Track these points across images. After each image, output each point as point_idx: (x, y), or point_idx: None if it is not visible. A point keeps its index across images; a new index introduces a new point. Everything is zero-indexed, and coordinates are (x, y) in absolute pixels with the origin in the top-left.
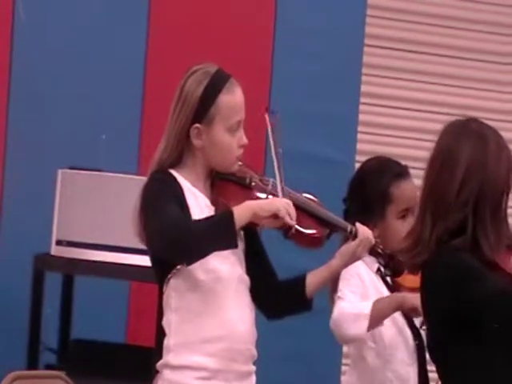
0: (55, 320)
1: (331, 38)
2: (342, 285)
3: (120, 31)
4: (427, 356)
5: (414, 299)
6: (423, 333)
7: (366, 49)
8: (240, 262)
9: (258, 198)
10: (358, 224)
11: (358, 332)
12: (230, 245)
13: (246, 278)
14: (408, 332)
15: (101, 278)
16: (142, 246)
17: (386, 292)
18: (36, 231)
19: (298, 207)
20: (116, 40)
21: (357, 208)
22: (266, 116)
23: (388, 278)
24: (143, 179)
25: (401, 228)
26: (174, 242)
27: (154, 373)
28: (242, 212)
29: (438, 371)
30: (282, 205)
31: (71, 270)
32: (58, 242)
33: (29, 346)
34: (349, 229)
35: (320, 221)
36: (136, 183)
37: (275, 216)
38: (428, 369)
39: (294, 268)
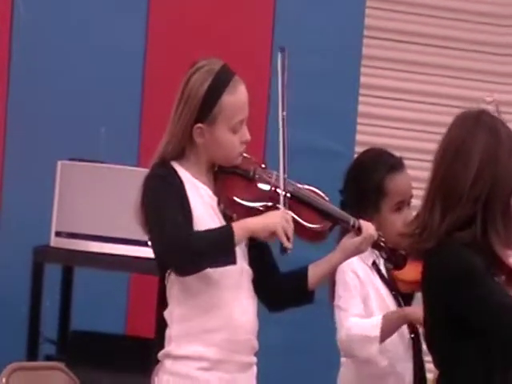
0: (55, 311)
1: (331, 29)
2: (340, 289)
3: (119, 24)
4: (423, 349)
5: (421, 312)
6: (419, 327)
7: (365, 40)
8: (243, 254)
9: (261, 190)
10: (361, 220)
11: (370, 355)
12: (229, 262)
13: (249, 270)
14: (404, 326)
15: (100, 270)
16: (142, 238)
17: (380, 285)
18: (35, 223)
19: (301, 200)
20: (115, 33)
21: (352, 200)
22: (280, 56)
23: (383, 271)
24: (143, 171)
25: (396, 220)
26: (175, 256)
27: (153, 364)
28: (242, 231)
29: (435, 362)
30: (281, 224)
31: (71, 261)
32: (58, 234)
33: (28, 337)
34: (351, 222)
35: (322, 214)
36: (136, 175)
37: (273, 234)
38: (425, 359)
39: (297, 260)
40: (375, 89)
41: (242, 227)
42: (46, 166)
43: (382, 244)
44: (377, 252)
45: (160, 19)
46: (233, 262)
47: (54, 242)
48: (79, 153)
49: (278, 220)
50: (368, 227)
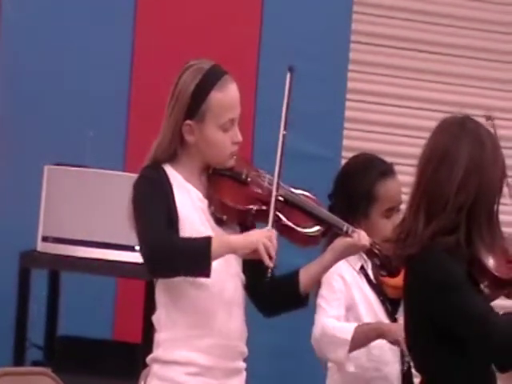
0: (41, 317)
1: (318, 34)
2: (323, 290)
3: (106, 29)
4: None
5: (396, 332)
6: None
7: (352, 45)
8: (235, 258)
9: (253, 193)
10: (354, 228)
11: (338, 358)
12: (201, 274)
13: (241, 275)
14: None
15: (87, 275)
16: (128, 243)
17: (368, 290)
18: (22, 228)
19: (293, 205)
20: (102, 37)
21: (341, 205)
22: (288, 75)
23: (371, 276)
24: (129, 176)
25: (385, 226)
26: (150, 259)
27: (140, 369)
28: (221, 246)
29: (416, 367)
30: (263, 242)
31: (57, 266)
32: (44, 239)
33: (15, 342)
34: (345, 228)
35: (315, 219)
36: (122, 180)
37: (255, 252)
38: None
39: (293, 266)
40: (362, 94)
41: (222, 243)
42: (33, 171)
43: (376, 251)
44: (365, 257)
45: (147, 25)
46: (205, 275)
47: (41, 246)
48: (66, 157)
49: (260, 238)
50: (360, 235)
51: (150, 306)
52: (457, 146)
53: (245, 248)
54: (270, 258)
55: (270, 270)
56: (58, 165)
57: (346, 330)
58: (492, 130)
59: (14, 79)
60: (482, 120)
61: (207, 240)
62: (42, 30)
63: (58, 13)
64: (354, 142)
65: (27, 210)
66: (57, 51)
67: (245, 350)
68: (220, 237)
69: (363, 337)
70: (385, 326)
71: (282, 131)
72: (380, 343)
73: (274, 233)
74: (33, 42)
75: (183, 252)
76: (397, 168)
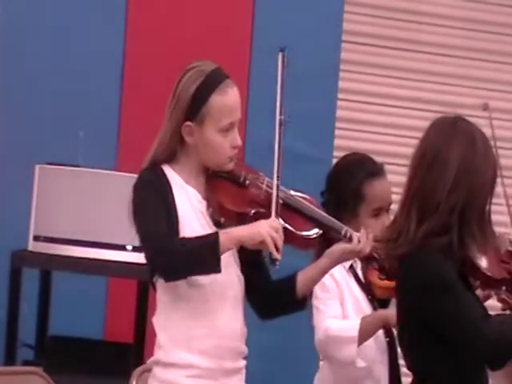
0: (33, 316)
1: (309, 34)
2: (318, 291)
3: (98, 29)
4: (399, 352)
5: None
6: (394, 330)
7: (343, 45)
8: (235, 260)
9: (251, 196)
10: (354, 232)
11: (349, 356)
12: (213, 270)
13: (240, 276)
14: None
15: (79, 274)
16: (120, 242)
17: (357, 289)
18: (13, 227)
19: (292, 207)
20: (94, 36)
21: (331, 203)
22: (280, 56)
23: (360, 276)
24: (121, 175)
25: (373, 226)
26: (158, 263)
27: (131, 368)
28: (228, 240)
29: (408, 365)
30: (269, 233)
31: (49, 265)
32: (36, 238)
33: (6, 342)
34: (343, 232)
35: (314, 222)
36: (114, 179)
37: (261, 243)
38: (401, 363)
39: (295, 268)
40: (353, 93)
41: (229, 237)
42: (24, 170)
43: (375, 255)
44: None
45: (138, 23)
46: (217, 270)
47: (32, 246)
48: (57, 156)
49: (267, 229)
50: (359, 239)
51: (141, 306)
52: (448, 146)
53: (251, 239)
54: (277, 249)
55: (277, 262)
56: (49, 164)
57: (351, 327)
58: (488, 122)
59: (5, 79)
60: (475, 120)
61: (215, 236)
62: (32, 30)
63: (50, 12)
64: (346, 141)
65: (18, 209)
66: (48, 51)
67: (244, 348)
68: (226, 232)
69: (369, 329)
70: (387, 313)
71: (277, 116)
72: (369, 343)
73: (279, 223)
74: (24, 42)
75: (192, 252)
76: (388, 168)
